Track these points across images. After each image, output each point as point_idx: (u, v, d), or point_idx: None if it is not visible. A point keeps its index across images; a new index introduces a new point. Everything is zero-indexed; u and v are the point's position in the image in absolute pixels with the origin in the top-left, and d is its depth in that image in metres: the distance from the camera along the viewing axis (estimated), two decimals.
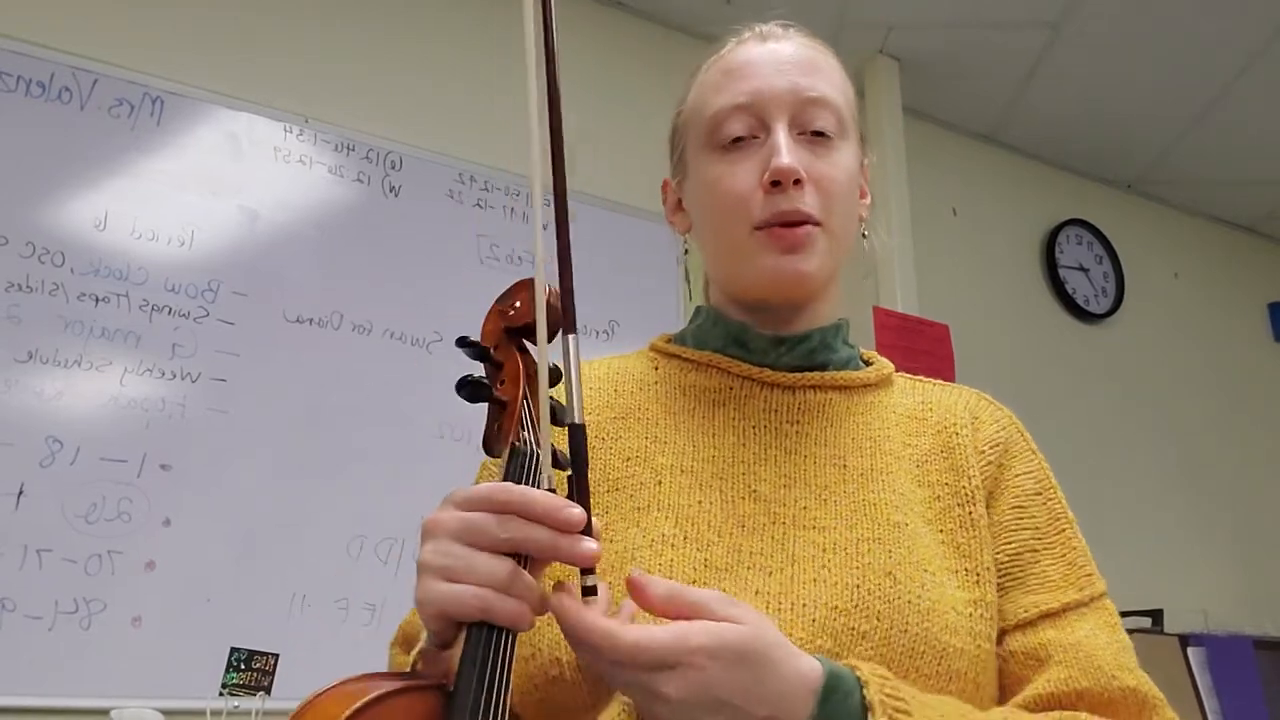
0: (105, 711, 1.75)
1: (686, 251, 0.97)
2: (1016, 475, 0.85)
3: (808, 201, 0.81)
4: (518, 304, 0.72)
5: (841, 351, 0.89)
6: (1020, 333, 3.31)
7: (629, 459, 0.82)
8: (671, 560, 0.74)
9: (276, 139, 2.24)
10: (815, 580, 0.73)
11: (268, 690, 1.91)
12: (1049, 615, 0.78)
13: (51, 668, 1.77)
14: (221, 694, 1.86)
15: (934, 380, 0.94)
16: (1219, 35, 2.94)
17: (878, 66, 3.08)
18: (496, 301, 0.74)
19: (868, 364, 0.92)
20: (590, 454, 0.81)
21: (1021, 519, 0.82)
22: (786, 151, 0.80)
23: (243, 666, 1.90)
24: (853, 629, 0.71)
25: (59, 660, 1.78)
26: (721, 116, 0.84)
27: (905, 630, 0.71)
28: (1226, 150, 3.53)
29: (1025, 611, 0.78)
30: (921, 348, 2.73)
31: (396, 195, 2.35)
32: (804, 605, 0.72)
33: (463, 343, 0.71)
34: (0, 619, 1.76)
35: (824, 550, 0.76)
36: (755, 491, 0.79)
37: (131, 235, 2.03)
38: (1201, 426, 3.60)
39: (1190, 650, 2.40)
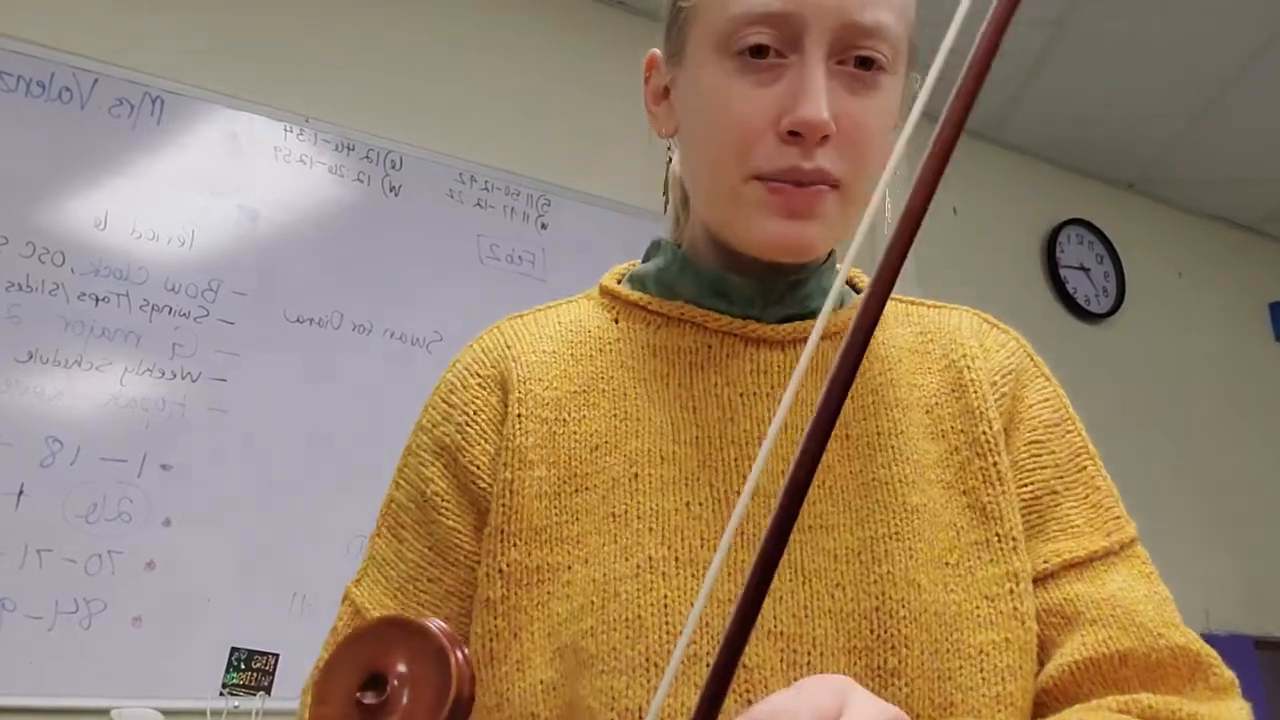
0: (105, 711, 1.75)
1: (670, 160, 0.79)
2: (1031, 405, 0.74)
3: (830, 160, 0.66)
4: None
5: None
6: (1020, 332, 3.29)
7: (596, 447, 0.69)
8: (665, 595, 0.63)
9: (276, 139, 2.24)
10: (830, 612, 0.63)
11: (268, 690, 1.91)
12: (1074, 566, 0.68)
13: (51, 668, 1.77)
14: (221, 694, 1.87)
15: (925, 301, 0.82)
16: (1219, 35, 2.93)
17: None
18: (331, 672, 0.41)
19: (856, 291, 0.79)
20: (552, 442, 0.69)
21: (1040, 456, 0.72)
22: (818, 97, 0.64)
23: (243, 666, 1.90)
24: (877, 668, 0.62)
25: (59, 660, 1.78)
26: (745, 20, 0.66)
27: (936, 651, 0.63)
28: (1228, 150, 3.52)
29: (1046, 562, 0.68)
30: None
31: (396, 195, 2.35)
32: (820, 655, 0.62)
33: None
34: (0, 619, 1.76)
35: (836, 559, 0.65)
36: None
37: (131, 235, 2.03)
38: (1202, 426, 3.59)
39: None
